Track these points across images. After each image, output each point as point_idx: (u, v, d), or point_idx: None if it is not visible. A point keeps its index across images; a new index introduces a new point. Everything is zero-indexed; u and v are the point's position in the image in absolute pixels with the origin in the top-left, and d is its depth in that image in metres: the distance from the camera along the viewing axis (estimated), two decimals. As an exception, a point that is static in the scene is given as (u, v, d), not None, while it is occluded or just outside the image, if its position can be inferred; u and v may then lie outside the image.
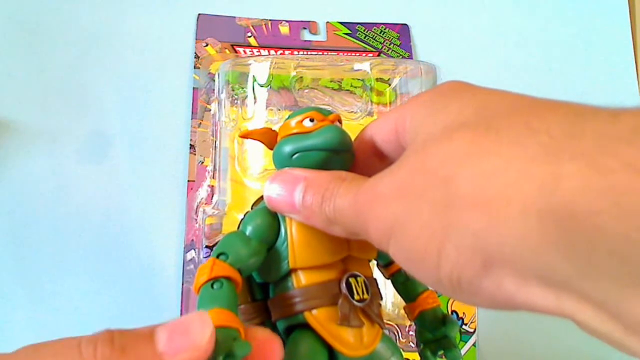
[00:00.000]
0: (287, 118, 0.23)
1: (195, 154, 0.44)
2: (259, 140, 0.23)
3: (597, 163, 0.12)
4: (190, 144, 0.45)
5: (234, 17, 0.50)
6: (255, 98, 0.45)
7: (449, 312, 0.43)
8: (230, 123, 0.44)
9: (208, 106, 0.46)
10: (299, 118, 0.22)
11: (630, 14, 0.55)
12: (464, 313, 0.43)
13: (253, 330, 0.19)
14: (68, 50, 0.47)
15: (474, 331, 0.43)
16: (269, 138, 0.23)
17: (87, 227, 0.42)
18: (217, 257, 0.20)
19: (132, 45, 0.48)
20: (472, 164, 0.15)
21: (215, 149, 0.44)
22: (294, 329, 0.21)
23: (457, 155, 0.16)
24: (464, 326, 0.43)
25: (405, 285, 0.26)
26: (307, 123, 0.22)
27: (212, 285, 0.19)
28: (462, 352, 0.43)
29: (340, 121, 0.23)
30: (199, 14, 0.49)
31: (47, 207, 0.42)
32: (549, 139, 0.14)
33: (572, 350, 0.43)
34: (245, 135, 0.23)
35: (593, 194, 0.12)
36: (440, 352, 0.25)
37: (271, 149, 0.23)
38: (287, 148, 0.22)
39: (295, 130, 0.22)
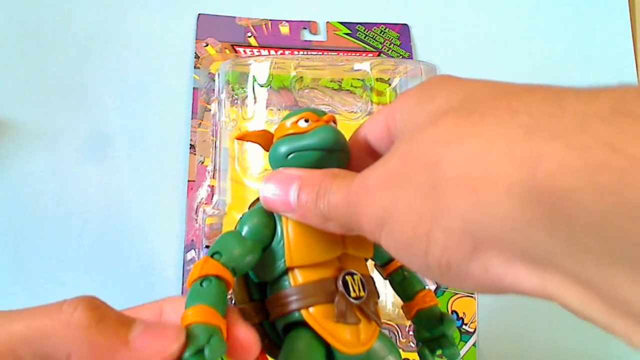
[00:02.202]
0: (283, 119, 0.23)
1: (195, 154, 0.44)
2: (255, 142, 0.23)
3: (575, 141, 0.13)
4: (190, 144, 0.45)
5: (234, 17, 0.50)
6: (255, 98, 0.45)
7: (449, 312, 0.43)
8: (230, 123, 0.44)
9: (208, 106, 0.46)
10: (293, 119, 0.22)
11: (630, 14, 0.55)
12: (464, 313, 0.43)
13: (236, 328, 0.20)
14: (68, 50, 0.47)
15: (474, 331, 0.43)
16: (265, 140, 0.23)
17: (87, 227, 0.42)
18: (212, 256, 0.21)
19: (132, 45, 0.48)
20: (456, 146, 0.15)
21: (215, 149, 0.44)
22: (291, 328, 0.21)
23: (442, 139, 0.16)
24: (464, 326, 0.43)
25: (403, 285, 0.26)
26: (302, 124, 0.22)
27: (201, 283, 0.20)
28: (462, 352, 0.43)
29: (335, 121, 0.23)
30: (199, 14, 0.50)
31: (47, 207, 0.42)
32: (530, 119, 0.14)
33: (573, 350, 0.43)
34: (241, 138, 0.24)
35: (571, 172, 0.12)
36: (439, 352, 0.25)
37: (267, 150, 0.23)
38: (283, 148, 0.22)
39: (290, 131, 0.22)
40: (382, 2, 0.53)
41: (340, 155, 0.22)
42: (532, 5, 0.55)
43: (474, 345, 0.43)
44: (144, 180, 0.44)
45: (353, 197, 0.18)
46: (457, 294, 0.43)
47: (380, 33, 0.51)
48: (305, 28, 0.51)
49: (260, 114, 0.44)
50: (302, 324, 0.21)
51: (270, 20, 0.50)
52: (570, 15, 0.55)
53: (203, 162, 0.44)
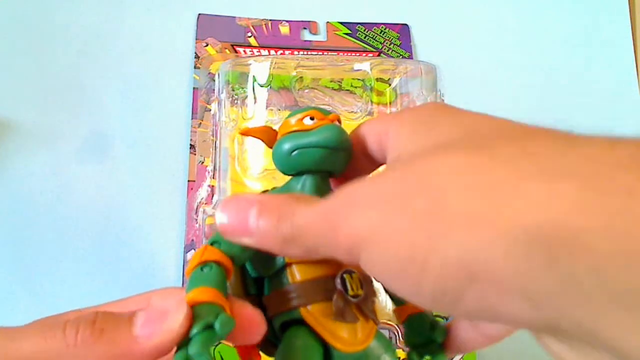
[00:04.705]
0: (287, 117, 0.23)
1: (195, 154, 0.44)
2: (258, 138, 0.23)
3: (594, 184, 0.13)
4: (190, 144, 0.45)
5: (234, 17, 0.50)
6: (255, 98, 0.45)
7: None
8: (230, 123, 0.44)
9: (208, 106, 0.46)
10: (299, 116, 0.22)
11: (630, 14, 0.55)
12: (464, 313, 0.43)
13: (239, 306, 0.20)
14: (68, 50, 0.47)
15: (474, 331, 0.43)
16: (268, 136, 0.23)
17: (87, 227, 0.42)
18: (211, 244, 0.21)
19: (132, 45, 0.48)
20: (464, 178, 0.15)
21: (215, 149, 0.44)
22: (289, 325, 0.21)
23: (449, 170, 0.16)
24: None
25: None
26: (307, 121, 0.22)
27: (201, 269, 0.20)
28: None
29: (339, 121, 0.23)
30: (199, 14, 0.50)
31: (47, 207, 0.42)
32: (545, 159, 0.14)
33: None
34: (245, 133, 0.24)
35: (585, 213, 0.12)
36: (427, 358, 0.25)
37: (270, 147, 0.23)
38: (287, 145, 0.22)
39: (295, 128, 0.22)
40: (382, 2, 0.53)
41: (343, 154, 0.22)
42: (532, 5, 0.55)
43: (474, 345, 0.43)
44: (144, 180, 0.44)
45: (331, 213, 0.18)
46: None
47: (380, 33, 0.51)
48: (305, 28, 0.51)
49: (260, 114, 0.44)
50: (300, 322, 0.21)
51: (270, 20, 0.50)
52: (570, 15, 0.55)
53: (203, 162, 0.44)
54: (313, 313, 0.21)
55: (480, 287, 0.15)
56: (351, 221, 0.17)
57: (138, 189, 0.43)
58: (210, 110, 0.46)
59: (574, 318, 0.13)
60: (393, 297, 0.26)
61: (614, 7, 0.56)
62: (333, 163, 0.22)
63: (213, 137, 0.45)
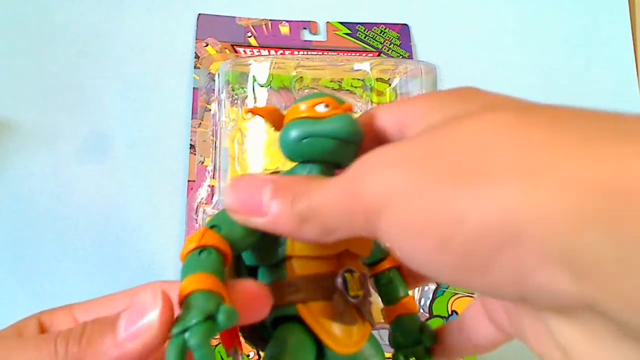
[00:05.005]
0: (298, 101, 0.22)
1: (195, 154, 0.44)
2: (264, 118, 0.22)
3: None
4: (190, 144, 0.45)
5: (234, 17, 0.50)
6: (255, 98, 0.45)
7: (449, 312, 0.43)
8: (230, 123, 0.44)
9: (208, 106, 0.46)
10: (312, 102, 0.21)
11: (630, 14, 0.55)
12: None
13: (238, 284, 0.19)
14: (68, 50, 0.47)
15: (474, 331, 0.43)
16: (274, 118, 0.22)
17: (87, 227, 0.42)
18: (210, 228, 0.19)
19: (132, 45, 0.48)
20: (515, 135, 0.14)
21: (215, 149, 0.44)
22: (281, 321, 0.21)
23: (496, 127, 0.14)
24: (464, 326, 0.43)
25: (387, 287, 0.25)
26: (321, 108, 0.21)
27: (199, 253, 0.18)
28: (462, 352, 0.43)
29: (351, 111, 0.22)
30: (199, 14, 0.50)
31: (47, 207, 0.42)
32: (603, 124, 0.13)
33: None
34: (252, 111, 0.22)
35: None
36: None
37: (277, 129, 0.22)
38: (298, 131, 0.21)
39: (306, 114, 0.21)
40: (382, 2, 0.53)
41: (354, 147, 0.21)
42: (532, 5, 0.55)
43: (474, 345, 0.43)
44: (144, 180, 0.43)
45: (351, 181, 0.17)
46: (457, 293, 0.43)
47: (380, 33, 0.51)
48: (305, 28, 0.51)
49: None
50: (294, 318, 0.20)
51: (270, 20, 0.50)
52: (570, 15, 0.55)
53: (203, 162, 0.44)
54: (311, 310, 0.20)
55: (516, 251, 0.13)
56: (373, 183, 0.16)
57: (138, 189, 0.43)
58: (210, 110, 0.46)
59: (622, 294, 0.12)
60: (384, 297, 0.25)
61: (614, 7, 0.56)
62: (343, 155, 0.21)
63: (213, 137, 0.45)
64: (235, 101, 0.45)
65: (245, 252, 0.22)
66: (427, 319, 0.43)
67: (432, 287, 0.43)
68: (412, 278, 0.25)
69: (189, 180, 0.44)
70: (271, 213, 0.18)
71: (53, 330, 0.22)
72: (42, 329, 0.22)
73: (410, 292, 0.26)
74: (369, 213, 0.16)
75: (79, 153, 0.44)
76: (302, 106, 0.21)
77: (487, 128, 0.15)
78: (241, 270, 0.23)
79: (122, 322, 0.18)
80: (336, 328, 0.20)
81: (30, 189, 0.42)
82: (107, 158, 0.44)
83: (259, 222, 0.19)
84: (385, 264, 0.25)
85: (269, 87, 0.45)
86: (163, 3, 0.50)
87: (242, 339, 0.22)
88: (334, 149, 0.20)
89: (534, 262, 0.13)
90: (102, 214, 0.42)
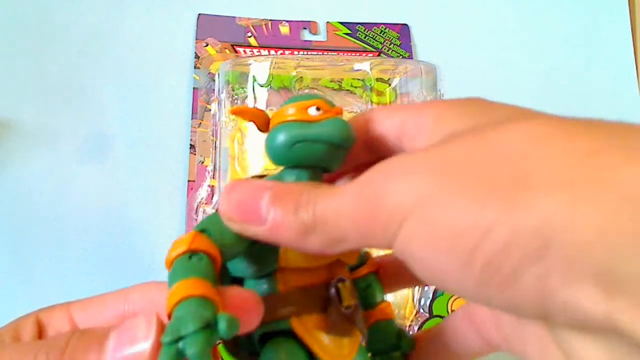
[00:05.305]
0: (286, 103, 0.20)
1: (195, 154, 0.44)
2: (249, 120, 0.21)
3: None
4: (190, 144, 0.45)
5: (234, 17, 0.50)
6: (255, 98, 0.45)
7: (449, 312, 0.43)
8: (230, 123, 0.44)
9: (208, 106, 0.46)
10: (302, 104, 0.20)
11: (630, 14, 0.55)
12: (464, 313, 0.43)
13: (229, 291, 0.17)
14: (68, 50, 0.47)
15: (474, 331, 0.43)
16: (260, 120, 0.20)
17: (87, 227, 0.42)
18: (200, 232, 0.18)
19: (132, 45, 0.48)
20: (553, 144, 0.14)
21: (215, 149, 0.44)
22: (270, 337, 0.20)
23: (531, 136, 0.14)
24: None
25: (366, 292, 0.24)
26: (313, 111, 0.19)
27: (189, 257, 0.17)
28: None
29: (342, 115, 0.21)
30: (199, 14, 0.49)
31: (47, 207, 0.42)
32: (634, 136, 0.13)
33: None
34: (236, 112, 0.21)
35: None
36: None
37: (263, 131, 0.21)
38: (288, 135, 0.19)
39: (295, 117, 0.19)
40: (382, 2, 0.53)
41: (345, 151, 0.20)
42: (532, 5, 0.55)
43: (474, 345, 0.43)
44: (144, 180, 0.43)
45: (368, 188, 0.16)
46: (457, 294, 0.43)
47: (380, 33, 0.51)
48: (305, 28, 0.51)
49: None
50: (285, 332, 0.19)
51: (270, 20, 0.50)
52: (570, 15, 0.55)
53: (203, 162, 0.44)
54: (305, 324, 0.19)
55: (546, 264, 0.13)
56: (396, 191, 0.15)
57: (138, 189, 0.43)
58: (210, 110, 0.46)
59: None
60: (364, 301, 0.24)
61: (614, 7, 0.56)
62: (334, 160, 0.20)
63: (213, 137, 0.45)
64: (235, 101, 0.45)
65: (231, 262, 0.20)
66: (427, 319, 0.43)
67: (432, 287, 0.43)
68: (390, 283, 0.25)
69: (189, 180, 0.44)
70: (270, 221, 0.17)
71: (49, 330, 0.21)
72: (40, 328, 0.21)
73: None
74: (388, 222, 0.15)
75: (79, 153, 0.44)
76: (291, 109, 0.20)
77: (523, 138, 0.14)
78: (224, 281, 0.21)
79: (111, 343, 0.17)
80: (329, 341, 0.19)
81: (30, 189, 0.42)
82: (107, 158, 0.44)
83: (257, 230, 0.18)
84: (364, 269, 0.24)
85: (269, 87, 0.45)
86: (163, 3, 0.50)
87: (221, 354, 0.21)
88: (326, 154, 0.19)
89: (563, 276, 0.13)
90: (102, 214, 0.42)
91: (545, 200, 0.13)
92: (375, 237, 0.16)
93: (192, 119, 0.45)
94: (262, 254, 0.20)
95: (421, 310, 0.43)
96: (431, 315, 0.43)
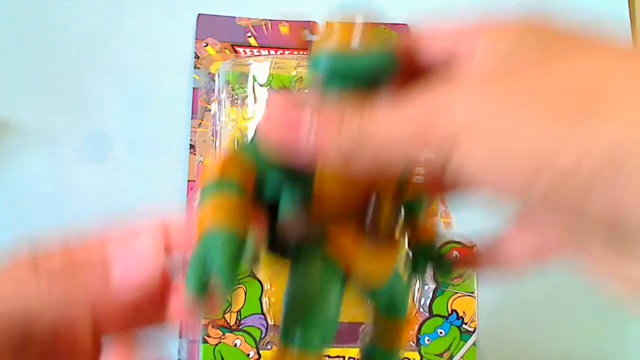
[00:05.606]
0: (334, 21, 0.20)
1: (195, 154, 0.44)
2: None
3: None
4: (190, 144, 0.45)
5: (234, 17, 0.50)
6: (255, 98, 0.45)
7: (449, 311, 0.43)
8: (230, 123, 0.44)
9: (208, 106, 0.46)
10: (349, 30, 0.19)
11: (630, 14, 0.55)
12: (464, 312, 0.43)
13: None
14: (68, 50, 0.47)
15: (474, 330, 0.43)
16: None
17: (86, 227, 0.42)
18: (239, 152, 0.19)
19: (132, 45, 0.48)
20: (623, 72, 0.14)
21: (215, 149, 0.44)
22: (306, 245, 0.19)
23: (604, 64, 0.14)
24: (463, 325, 0.43)
25: (411, 211, 0.22)
26: (357, 40, 0.20)
27: (221, 184, 0.17)
28: (462, 351, 0.43)
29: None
30: (199, 14, 0.50)
31: (47, 207, 0.42)
32: None
33: (572, 350, 0.43)
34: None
35: None
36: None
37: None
38: (331, 66, 0.19)
39: (341, 45, 0.20)
40: (382, 2, 0.53)
41: (390, 77, 0.20)
42: (532, 5, 0.55)
43: (474, 344, 0.43)
44: (144, 181, 0.44)
45: (424, 103, 0.15)
46: (456, 293, 0.43)
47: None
48: (305, 28, 0.51)
49: (260, 114, 0.44)
50: (321, 242, 0.19)
51: (270, 20, 0.50)
52: (569, 15, 0.55)
53: (203, 162, 0.44)
54: (342, 234, 0.19)
55: (619, 182, 0.13)
56: (457, 105, 0.14)
57: (138, 189, 0.43)
58: (210, 110, 0.46)
59: None
60: (409, 220, 0.23)
61: (614, 7, 0.56)
62: (379, 83, 0.19)
63: (213, 137, 0.45)
64: (235, 101, 0.45)
65: (268, 179, 0.20)
66: (427, 319, 0.43)
67: (432, 286, 0.43)
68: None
69: (189, 180, 0.44)
70: (311, 142, 0.16)
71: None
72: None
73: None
74: (444, 140, 0.14)
75: (79, 153, 0.44)
76: (338, 33, 0.20)
77: (593, 66, 0.14)
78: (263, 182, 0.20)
79: (115, 262, 0.17)
80: (366, 254, 0.19)
81: (30, 189, 0.42)
82: (107, 158, 0.44)
83: (297, 148, 0.16)
84: (411, 189, 0.23)
85: (269, 87, 0.45)
86: (163, 3, 0.50)
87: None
88: (367, 82, 0.18)
89: (633, 194, 0.13)
90: (102, 214, 0.42)
91: (616, 120, 0.13)
92: (429, 155, 0.15)
93: (192, 119, 0.45)
94: (303, 171, 0.19)
95: (421, 310, 0.43)
96: (431, 315, 0.43)
